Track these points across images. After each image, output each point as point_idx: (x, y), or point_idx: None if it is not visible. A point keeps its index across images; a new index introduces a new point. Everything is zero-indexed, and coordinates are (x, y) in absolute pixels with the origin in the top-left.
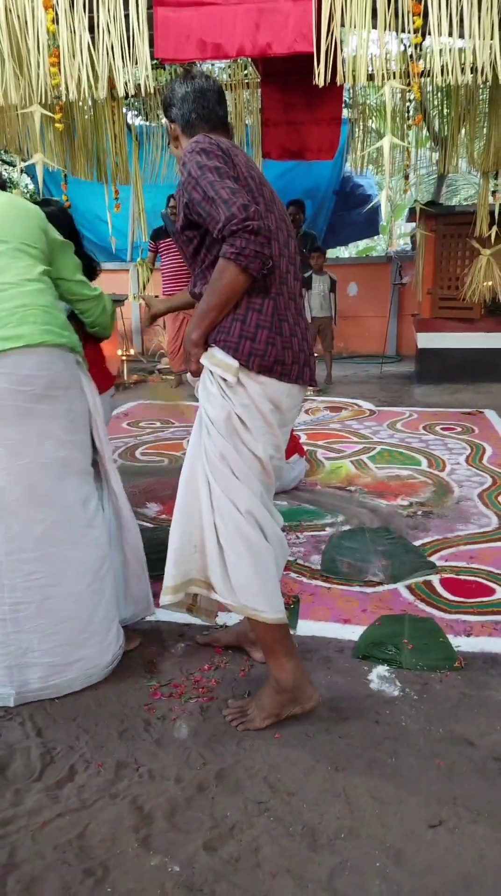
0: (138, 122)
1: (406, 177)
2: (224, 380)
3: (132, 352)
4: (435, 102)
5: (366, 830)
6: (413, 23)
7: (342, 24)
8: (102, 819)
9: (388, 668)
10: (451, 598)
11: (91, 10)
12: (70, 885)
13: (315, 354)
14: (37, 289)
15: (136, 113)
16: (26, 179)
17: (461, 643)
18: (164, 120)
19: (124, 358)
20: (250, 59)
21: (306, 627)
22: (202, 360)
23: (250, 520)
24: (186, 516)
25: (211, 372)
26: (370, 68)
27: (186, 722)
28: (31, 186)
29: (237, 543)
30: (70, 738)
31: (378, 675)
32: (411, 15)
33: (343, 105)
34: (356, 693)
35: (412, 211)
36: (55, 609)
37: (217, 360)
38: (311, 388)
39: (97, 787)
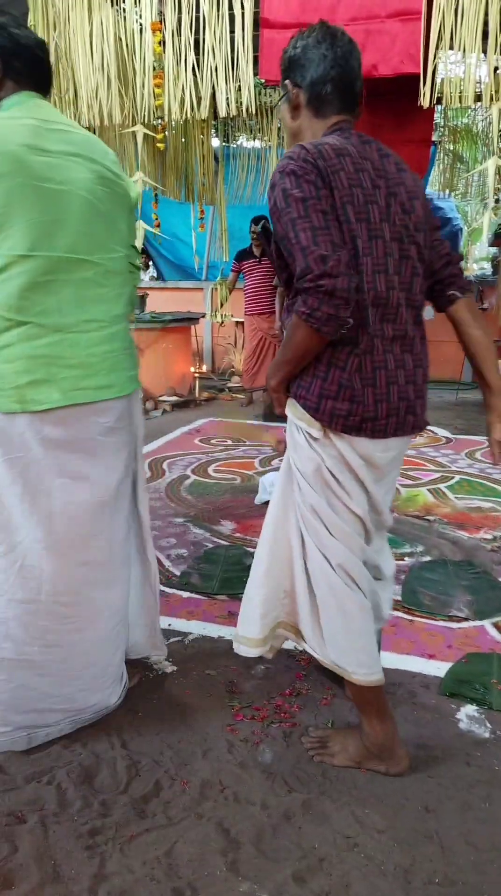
0: (216, 143)
1: (497, 200)
2: (310, 434)
3: (204, 369)
4: None
5: (462, 877)
6: None
7: (451, 47)
8: (189, 838)
9: (477, 707)
10: None
11: (197, 32)
12: None
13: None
14: (123, 328)
15: (217, 134)
16: None
17: None
18: (286, 82)
19: (197, 375)
20: None
21: (389, 659)
22: (287, 411)
23: (341, 574)
24: (276, 561)
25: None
26: (478, 89)
27: (269, 747)
28: None
29: (328, 597)
30: (155, 752)
31: (467, 715)
32: None
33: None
34: (444, 732)
35: (496, 235)
36: (82, 654)
37: (300, 414)
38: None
39: (183, 806)
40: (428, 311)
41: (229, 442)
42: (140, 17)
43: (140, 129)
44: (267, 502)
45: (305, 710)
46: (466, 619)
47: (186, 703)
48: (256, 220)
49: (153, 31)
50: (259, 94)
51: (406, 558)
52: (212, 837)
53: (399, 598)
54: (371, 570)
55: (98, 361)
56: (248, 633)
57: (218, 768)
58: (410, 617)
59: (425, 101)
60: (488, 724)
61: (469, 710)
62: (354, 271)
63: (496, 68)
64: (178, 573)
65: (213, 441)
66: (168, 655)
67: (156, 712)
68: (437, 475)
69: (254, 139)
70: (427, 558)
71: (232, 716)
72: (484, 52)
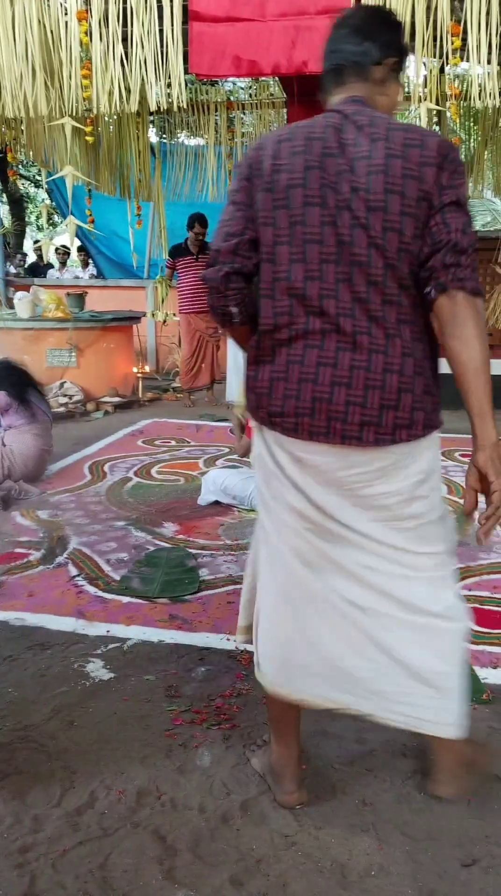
0: (154, 138)
1: None
2: None
3: (147, 369)
4: (456, 126)
5: (397, 868)
6: (452, 43)
7: None
8: (125, 848)
9: None
10: (476, 628)
11: (125, 24)
12: None
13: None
14: None
15: (157, 130)
16: (43, 194)
17: (488, 675)
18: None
19: (140, 375)
20: (274, 79)
21: None
22: None
23: (272, 553)
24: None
25: None
26: (406, 89)
27: (208, 749)
28: (47, 201)
29: (259, 571)
30: (90, 762)
31: None
32: (450, 36)
33: None
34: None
35: None
36: None
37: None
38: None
39: (119, 815)
40: None
41: (173, 443)
42: (65, 4)
43: (68, 122)
44: (213, 503)
45: (245, 710)
46: None
47: (123, 710)
48: (202, 220)
49: (79, 20)
50: (196, 90)
51: None
52: (148, 846)
53: None
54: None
55: None
56: (240, 621)
57: (155, 775)
58: None
59: None
60: None
61: None
62: (247, 260)
63: (440, 70)
64: (117, 577)
65: (156, 442)
66: (106, 662)
67: (92, 721)
68: None
69: (193, 136)
70: None
71: (171, 720)
72: (413, 52)
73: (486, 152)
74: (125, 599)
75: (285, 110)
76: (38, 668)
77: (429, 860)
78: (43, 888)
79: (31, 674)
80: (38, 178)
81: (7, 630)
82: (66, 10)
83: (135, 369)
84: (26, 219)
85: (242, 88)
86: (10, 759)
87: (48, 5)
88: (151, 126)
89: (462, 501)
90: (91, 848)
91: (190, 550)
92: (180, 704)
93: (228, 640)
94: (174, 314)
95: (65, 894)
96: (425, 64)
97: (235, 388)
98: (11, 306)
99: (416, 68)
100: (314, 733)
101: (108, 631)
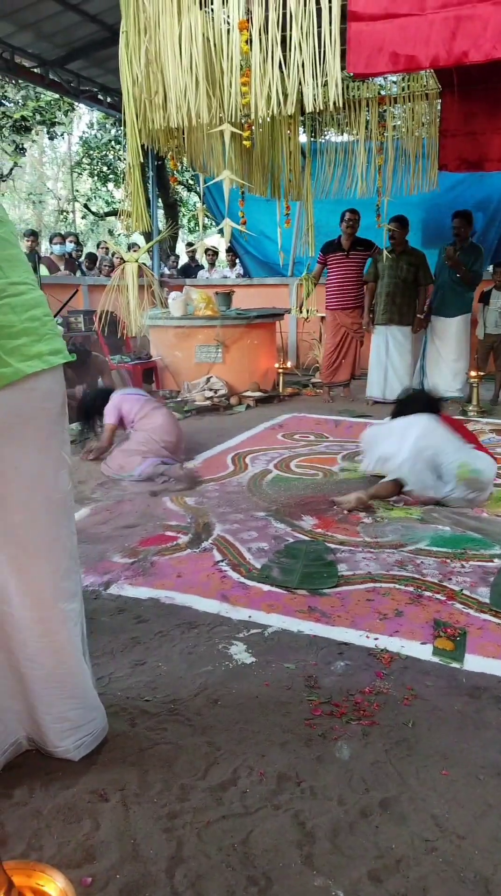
0: (303, 138)
1: None
2: None
3: (288, 364)
4: None
5: None
6: None
7: None
8: (265, 828)
9: None
10: None
11: (284, 29)
12: (234, 890)
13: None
14: (41, 294)
15: (306, 130)
16: (195, 198)
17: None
18: None
19: (281, 370)
20: (430, 71)
21: (474, 662)
22: None
23: None
24: None
25: None
26: None
27: (347, 743)
28: (199, 205)
29: None
30: (233, 741)
31: None
32: None
33: None
34: None
35: None
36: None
37: None
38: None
39: (260, 796)
40: None
41: (312, 437)
42: (228, 17)
43: (227, 128)
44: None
45: (385, 709)
46: None
47: (264, 694)
48: (352, 210)
49: (241, 29)
50: (347, 87)
51: (496, 559)
52: (288, 829)
53: (487, 600)
54: None
55: (39, 326)
56: None
57: (295, 761)
58: (497, 620)
59: None
60: None
61: None
62: None
63: None
64: (258, 566)
65: (295, 436)
66: (248, 646)
67: (235, 702)
68: None
69: (341, 133)
70: None
71: (310, 710)
72: None
73: None
74: (266, 588)
75: (438, 101)
76: (185, 645)
77: None
78: (188, 854)
79: (180, 650)
80: (191, 182)
81: (158, 607)
82: (228, 20)
83: (276, 365)
84: (179, 222)
85: (393, 82)
86: (159, 728)
87: (212, 18)
88: (301, 127)
89: None
90: (234, 823)
91: (329, 545)
92: (320, 696)
93: (367, 637)
94: (316, 310)
95: (209, 863)
96: None
97: (375, 385)
98: (166, 306)
99: None
100: (457, 740)
101: (250, 616)
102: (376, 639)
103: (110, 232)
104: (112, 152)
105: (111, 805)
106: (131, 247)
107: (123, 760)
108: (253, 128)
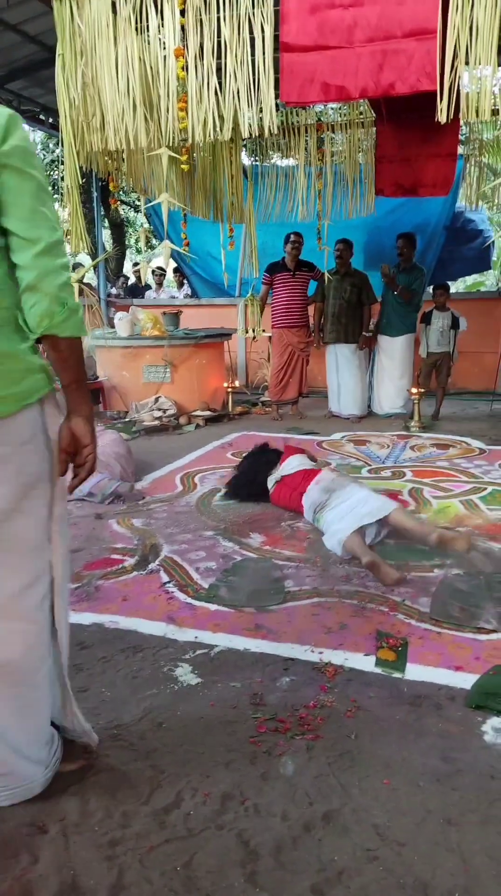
0: (247, 161)
1: None
2: None
3: (237, 384)
4: None
5: (482, 891)
6: None
7: (466, 62)
8: (209, 849)
9: None
10: None
11: (219, 57)
12: None
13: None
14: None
15: (249, 153)
16: (142, 219)
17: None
18: None
19: (229, 390)
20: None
21: (415, 672)
22: None
23: None
24: None
25: None
26: (494, 104)
27: (291, 758)
28: (146, 225)
29: None
30: (177, 764)
31: (493, 727)
32: None
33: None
34: (469, 744)
35: None
36: None
37: None
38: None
39: (204, 817)
40: (462, 322)
41: None
42: (164, 43)
43: (165, 152)
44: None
45: (328, 723)
46: (495, 631)
47: (210, 714)
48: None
49: (177, 56)
50: (288, 113)
51: (436, 570)
52: (231, 849)
53: (427, 610)
54: None
55: None
56: None
57: (240, 780)
58: (438, 629)
59: (442, 117)
60: None
61: (496, 722)
62: None
63: None
64: (206, 586)
65: (245, 454)
66: (194, 668)
67: (180, 724)
68: (469, 487)
69: (285, 157)
70: (458, 571)
71: (255, 728)
72: None
73: None
74: (213, 607)
75: (374, 129)
76: (130, 669)
77: None
78: (130, 881)
79: (124, 675)
80: (138, 203)
81: (102, 632)
82: (164, 45)
83: (225, 384)
84: (126, 242)
85: (333, 109)
86: (102, 755)
87: (148, 44)
88: (243, 150)
89: None
90: (177, 846)
91: (276, 562)
92: (265, 712)
93: (312, 651)
94: (264, 330)
95: (151, 889)
96: None
97: (332, 399)
98: (112, 326)
99: None
100: (398, 749)
101: (196, 637)
102: (321, 653)
103: None
104: (56, 172)
105: (50, 836)
106: (76, 266)
107: (63, 790)
108: (194, 152)
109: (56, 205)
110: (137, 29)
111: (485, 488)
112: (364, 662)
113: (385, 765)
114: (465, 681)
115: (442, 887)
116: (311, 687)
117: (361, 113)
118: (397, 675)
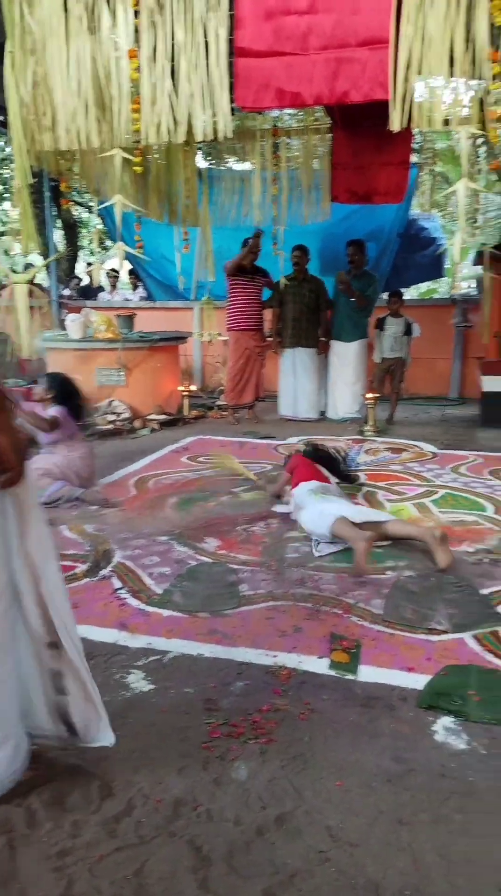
0: (203, 164)
1: (475, 220)
2: None
3: (193, 388)
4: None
5: (432, 889)
6: (491, 69)
7: (419, 72)
8: (160, 856)
9: (454, 719)
10: None
11: (173, 59)
12: None
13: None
14: None
15: (205, 156)
16: (96, 220)
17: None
18: None
19: (185, 393)
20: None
21: (368, 673)
22: None
23: None
24: None
25: None
26: (445, 114)
27: (245, 763)
28: (99, 227)
29: None
30: (128, 771)
31: (444, 727)
32: (489, 62)
33: (412, 150)
34: (420, 744)
35: (479, 254)
36: None
37: None
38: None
39: (155, 824)
40: (415, 329)
41: (217, 460)
42: (117, 44)
43: (118, 154)
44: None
45: (282, 726)
46: (446, 632)
47: (162, 721)
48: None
49: (130, 57)
50: (244, 118)
51: (389, 572)
52: (183, 855)
53: (380, 612)
54: None
55: None
56: None
57: (192, 785)
58: (390, 630)
59: (395, 126)
60: (464, 736)
61: (446, 721)
62: None
63: (482, 97)
64: (159, 591)
65: (200, 458)
66: (146, 674)
67: (131, 732)
68: (422, 490)
69: (242, 161)
70: (410, 573)
71: (209, 733)
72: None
73: None
74: (166, 613)
75: (330, 135)
76: None
77: (466, 883)
78: (80, 892)
79: None
80: (92, 204)
81: None
82: (117, 46)
83: (181, 388)
84: (79, 243)
85: (289, 115)
86: (50, 765)
87: (101, 44)
88: (199, 152)
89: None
90: (128, 854)
91: (231, 566)
92: (218, 717)
93: (266, 655)
94: (219, 334)
95: None
96: (468, 87)
97: (286, 404)
98: (64, 328)
99: (456, 93)
100: (351, 750)
101: (149, 643)
102: (275, 656)
103: (6, 252)
104: (7, 170)
105: None
106: (27, 267)
107: (9, 801)
108: (148, 154)
109: (6, 204)
110: (89, 28)
111: (437, 491)
112: (318, 665)
113: (338, 766)
114: (417, 681)
115: (393, 887)
116: (265, 691)
117: (316, 119)
118: (350, 676)
